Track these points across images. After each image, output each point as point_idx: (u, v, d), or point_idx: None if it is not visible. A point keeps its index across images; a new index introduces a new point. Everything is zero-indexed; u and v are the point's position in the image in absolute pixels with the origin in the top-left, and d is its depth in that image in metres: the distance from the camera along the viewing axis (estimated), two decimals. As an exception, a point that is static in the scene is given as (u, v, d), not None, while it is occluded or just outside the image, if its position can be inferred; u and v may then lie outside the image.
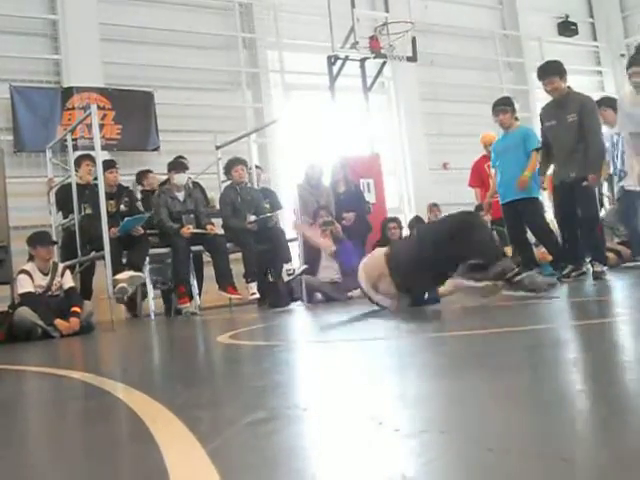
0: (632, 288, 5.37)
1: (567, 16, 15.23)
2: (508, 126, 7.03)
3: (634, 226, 7.51)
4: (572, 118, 6.22)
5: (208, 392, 2.10)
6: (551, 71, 6.42)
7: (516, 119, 7.18)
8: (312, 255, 7.58)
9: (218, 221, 8.14)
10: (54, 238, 7.24)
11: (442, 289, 4.74)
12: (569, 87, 6.48)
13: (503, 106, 7.08)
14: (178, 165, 7.96)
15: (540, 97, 14.25)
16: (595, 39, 15.95)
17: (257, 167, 9.42)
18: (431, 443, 1.17)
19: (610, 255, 8.29)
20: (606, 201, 9.18)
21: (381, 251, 4.87)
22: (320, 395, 1.86)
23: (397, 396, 1.70)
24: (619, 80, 15.28)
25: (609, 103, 7.43)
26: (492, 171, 7.74)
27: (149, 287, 7.73)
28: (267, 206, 8.37)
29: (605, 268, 6.31)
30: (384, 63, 11.14)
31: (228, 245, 7.77)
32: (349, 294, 7.33)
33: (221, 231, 7.96)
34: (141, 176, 8.85)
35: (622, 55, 15.45)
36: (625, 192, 7.53)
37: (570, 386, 1.59)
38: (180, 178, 7.78)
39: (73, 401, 2.33)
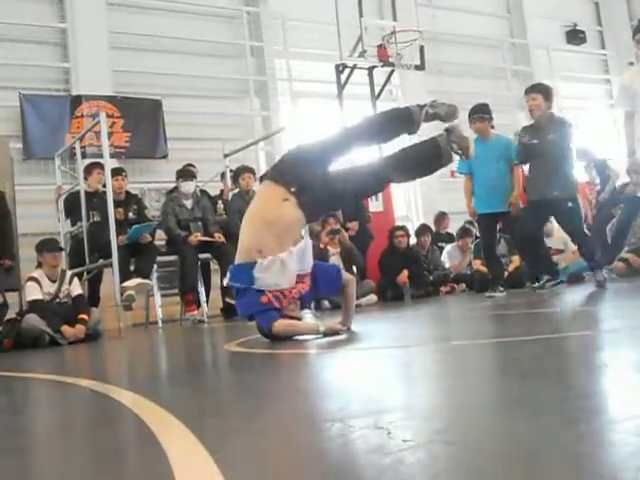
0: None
1: (575, 24, 15.22)
2: (485, 134, 6.94)
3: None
4: (552, 137, 6.17)
5: (215, 400, 2.09)
6: (538, 88, 6.45)
7: (492, 127, 7.08)
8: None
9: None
10: (62, 245, 7.26)
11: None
12: (552, 113, 6.45)
13: (481, 114, 6.96)
14: (186, 173, 7.98)
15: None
16: (603, 47, 15.93)
17: None
18: (440, 454, 1.16)
19: (619, 264, 8.28)
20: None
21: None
22: (328, 404, 1.86)
23: (406, 406, 1.69)
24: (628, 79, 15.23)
25: None
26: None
27: (157, 294, 7.73)
28: None
29: (605, 274, 6.30)
30: (392, 71, 11.15)
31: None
32: (357, 302, 7.30)
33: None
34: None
35: (631, 63, 15.42)
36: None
37: (582, 396, 1.58)
38: (187, 186, 7.80)
39: (80, 409, 2.33)
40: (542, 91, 6.38)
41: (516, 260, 8.67)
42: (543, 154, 6.18)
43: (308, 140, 4.19)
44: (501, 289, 6.88)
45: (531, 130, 6.43)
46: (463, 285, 9.35)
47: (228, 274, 3.90)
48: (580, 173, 11.24)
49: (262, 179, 4.08)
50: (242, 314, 3.95)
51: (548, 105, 6.33)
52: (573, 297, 5.86)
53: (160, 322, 7.58)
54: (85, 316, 6.25)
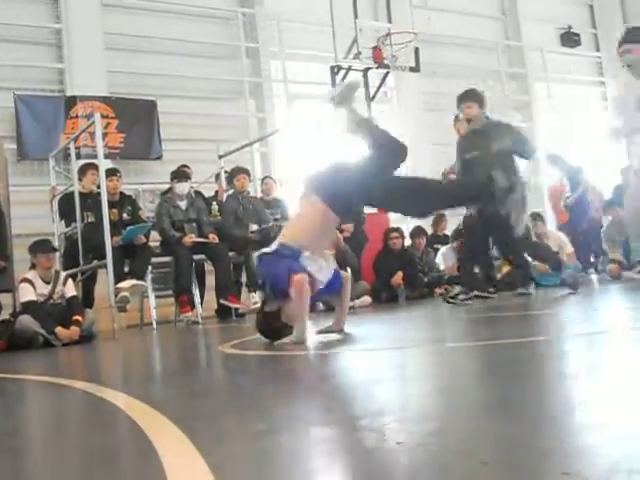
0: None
1: (570, 27, 15.26)
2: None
3: None
4: (499, 146, 5.88)
5: (209, 403, 2.09)
6: (473, 97, 6.16)
7: None
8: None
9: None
10: (56, 246, 7.24)
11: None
12: (487, 117, 6.23)
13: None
14: (180, 174, 7.97)
15: (543, 109, 14.32)
16: (598, 50, 15.97)
17: (269, 177, 9.40)
18: (432, 457, 1.17)
19: (612, 266, 8.32)
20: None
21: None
22: (322, 407, 1.86)
23: (400, 408, 1.69)
24: (622, 91, 15.29)
25: None
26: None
27: (151, 295, 7.72)
28: (279, 217, 8.38)
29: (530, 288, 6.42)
30: (387, 73, 11.16)
31: (230, 254, 7.77)
32: (351, 303, 7.30)
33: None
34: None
35: (628, 66, 15.45)
36: None
37: (571, 399, 1.59)
38: (181, 187, 7.78)
39: (74, 411, 2.33)
40: (477, 99, 6.15)
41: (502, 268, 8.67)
42: (487, 165, 5.73)
43: (378, 170, 4.03)
44: (492, 290, 6.75)
45: (470, 139, 6.16)
46: (457, 287, 9.34)
47: (271, 247, 3.87)
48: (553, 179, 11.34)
49: (308, 188, 4.06)
50: (263, 269, 3.87)
51: (483, 112, 6.14)
52: (566, 300, 5.87)
53: (154, 323, 7.56)
54: (79, 317, 6.23)
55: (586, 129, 14.15)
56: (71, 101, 9.73)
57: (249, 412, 1.80)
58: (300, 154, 10.51)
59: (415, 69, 11.05)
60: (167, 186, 8.38)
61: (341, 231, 8.62)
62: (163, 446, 1.41)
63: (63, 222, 8.01)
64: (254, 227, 7.90)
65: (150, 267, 7.58)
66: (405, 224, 11.63)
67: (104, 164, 7.04)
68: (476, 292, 6.25)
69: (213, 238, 7.64)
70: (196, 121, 10.65)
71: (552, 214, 11.24)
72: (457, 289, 6.24)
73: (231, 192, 8.41)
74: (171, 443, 1.46)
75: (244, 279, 8.07)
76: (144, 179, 10.11)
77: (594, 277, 9.68)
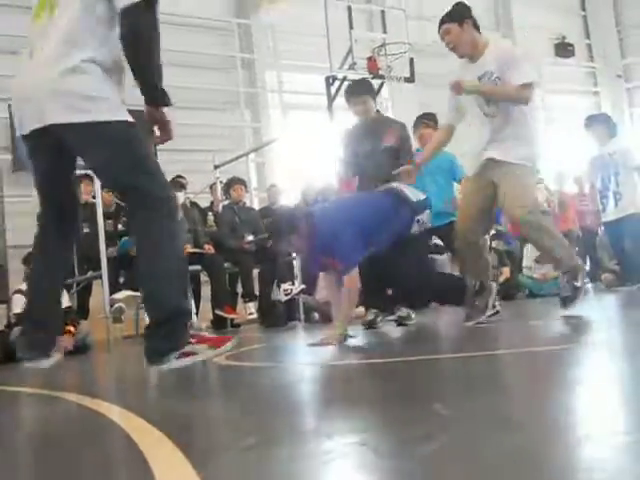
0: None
1: (564, 37, 15.34)
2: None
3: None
4: (389, 144, 5.22)
5: (203, 415, 2.08)
6: (364, 89, 5.45)
7: None
8: (310, 275, 7.56)
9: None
10: (51, 257, 7.22)
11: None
12: (378, 110, 5.62)
13: (427, 120, 6.22)
14: (174, 184, 7.95)
15: (539, 117, 14.36)
16: (592, 60, 16.06)
17: (275, 186, 9.40)
18: (421, 466, 1.16)
19: (608, 276, 8.33)
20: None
21: None
22: (316, 419, 1.85)
23: (389, 423, 1.68)
24: (616, 100, 15.39)
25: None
26: None
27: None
28: None
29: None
30: (382, 84, 11.19)
31: (226, 265, 7.76)
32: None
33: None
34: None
35: (619, 76, 15.58)
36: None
37: (552, 412, 1.58)
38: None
39: (67, 424, 2.31)
40: (369, 91, 5.48)
41: (506, 271, 8.70)
42: (377, 163, 5.16)
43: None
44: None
45: (359, 133, 5.39)
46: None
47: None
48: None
49: None
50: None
51: (375, 103, 5.50)
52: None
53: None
54: (71, 329, 6.20)
55: (578, 138, 14.18)
56: (66, 111, 9.72)
57: (243, 425, 1.79)
58: (295, 164, 10.50)
59: (410, 79, 11.09)
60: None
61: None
62: (156, 460, 1.40)
63: (58, 233, 7.99)
64: (250, 237, 7.90)
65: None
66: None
67: (99, 175, 7.02)
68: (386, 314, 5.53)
69: (209, 249, 7.63)
70: (191, 131, 10.64)
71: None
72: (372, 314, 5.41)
73: (227, 202, 8.41)
74: (165, 457, 1.45)
75: (240, 289, 8.06)
76: (140, 190, 10.09)
77: (589, 286, 9.69)
